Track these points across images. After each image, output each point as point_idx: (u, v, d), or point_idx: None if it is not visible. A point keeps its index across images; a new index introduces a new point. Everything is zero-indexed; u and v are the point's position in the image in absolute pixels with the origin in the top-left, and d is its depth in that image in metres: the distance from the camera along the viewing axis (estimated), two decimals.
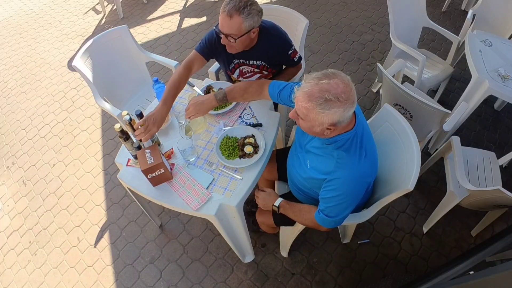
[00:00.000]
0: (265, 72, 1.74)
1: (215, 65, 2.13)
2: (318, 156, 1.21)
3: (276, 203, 1.39)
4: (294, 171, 1.38)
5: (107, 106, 1.93)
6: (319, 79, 0.99)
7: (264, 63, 1.68)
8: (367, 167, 1.16)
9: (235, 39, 1.44)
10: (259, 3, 1.47)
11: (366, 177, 1.18)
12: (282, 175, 1.67)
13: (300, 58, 1.72)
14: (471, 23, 2.46)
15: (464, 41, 2.25)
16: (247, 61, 1.68)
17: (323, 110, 0.98)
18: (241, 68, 1.73)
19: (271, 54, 1.63)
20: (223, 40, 1.47)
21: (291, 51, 1.65)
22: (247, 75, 1.76)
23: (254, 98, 1.48)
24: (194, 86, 1.79)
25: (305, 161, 1.27)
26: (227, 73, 1.88)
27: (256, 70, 1.72)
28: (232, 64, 1.71)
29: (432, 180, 2.25)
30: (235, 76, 1.79)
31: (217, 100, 1.44)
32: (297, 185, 1.41)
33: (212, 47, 1.60)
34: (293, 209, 1.37)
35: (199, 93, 1.74)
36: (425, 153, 2.33)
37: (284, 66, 1.84)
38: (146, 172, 1.32)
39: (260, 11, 1.44)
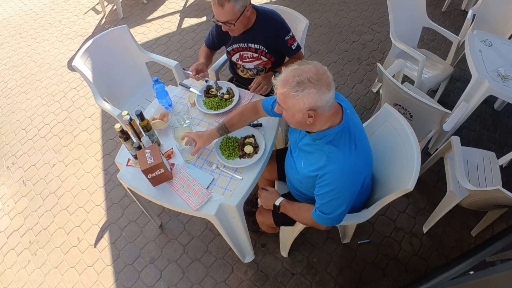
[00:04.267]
0: (264, 58, 1.78)
1: (215, 65, 2.13)
2: (310, 153, 1.22)
3: (277, 202, 1.40)
4: (291, 171, 1.39)
5: (107, 106, 1.92)
6: (293, 68, 1.06)
7: (262, 47, 1.72)
8: (359, 160, 1.16)
9: (234, 23, 1.54)
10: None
11: (359, 170, 1.18)
12: (282, 175, 1.66)
13: (299, 47, 1.75)
14: (471, 23, 2.46)
15: (464, 41, 2.25)
16: (246, 44, 1.73)
17: (297, 93, 1.02)
18: (241, 53, 1.79)
19: (268, 37, 1.68)
20: (224, 28, 1.59)
21: (288, 37, 1.69)
22: (247, 59, 1.81)
23: (252, 118, 1.50)
24: (190, 87, 1.78)
25: (300, 161, 1.28)
26: (230, 63, 1.96)
27: (255, 55, 1.76)
28: (232, 47, 1.79)
29: (432, 180, 2.25)
30: (234, 59, 1.86)
31: (218, 132, 1.46)
32: (295, 186, 1.42)
33: (217, 41, 1.81)
34: (292, 208, 1.38)
35: (197, 94, 1.74)
36: (425, 153, 2.33)
37: (286, 59, 1.88)
38: (146, 172, 1.32)
39: None
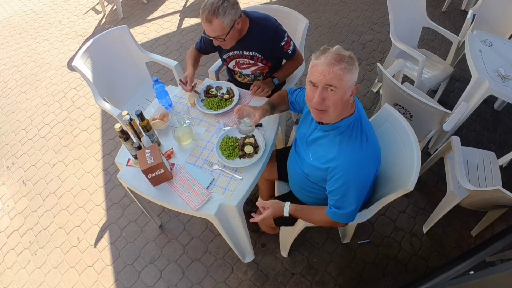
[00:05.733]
0: (260, 64, 1.77)
1: (215, 65, 2.13)
2: (321, 145, 1.23)
3: (286, 213, 1.33)
4: (295, 167, 1.38)
5: (107, 106, 1.93)
6: (326, 50, 1.08)
7: (257, 54, 1.71)
8: (370, 152, 1.16)
9: (224, 38, 1.53)
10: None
11: (370, 162, 1.17)
12: (282, 175, 1.67)
13: (294, 49, 1.74)
14: (471, 23, 2.46)
15: (464, 41, 2.25)
16: (241, 52, 1.72)
17: (351, 66, 1.06)
18: (237, 60, 1.78)
19: (263, 45, 1.67)
20: (215, 42, 1.59)
21: (283, 43, 1.67)
22: (243, 66, 1.80)
23: (287, 106, 1.54)
24: None
25: (308, 155, 1.28)
26: (227, 68, 1.94)
27: (251, 61, 1.75)
28: (227, 55, 1.77)
29: (432, 180, 2.25)
30: (230, 66, 1.84)
31: (269, 106, 1.46)
32: (298, 183, 1.41)
33: (209, 47, 1.77)
34: (304, 212, 1.33)
35: (197, 94, 1.74)
36: (425, 153, 2.33)
37: (284, 61, 1.87)
38: (146, 172, 1.32)
39: (234, 4, 1.50)
